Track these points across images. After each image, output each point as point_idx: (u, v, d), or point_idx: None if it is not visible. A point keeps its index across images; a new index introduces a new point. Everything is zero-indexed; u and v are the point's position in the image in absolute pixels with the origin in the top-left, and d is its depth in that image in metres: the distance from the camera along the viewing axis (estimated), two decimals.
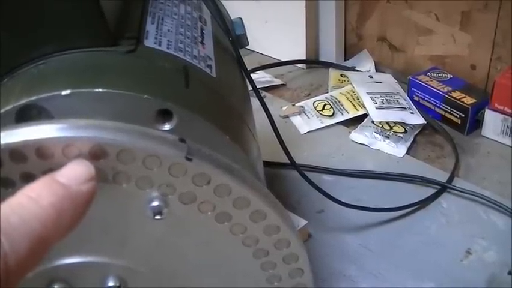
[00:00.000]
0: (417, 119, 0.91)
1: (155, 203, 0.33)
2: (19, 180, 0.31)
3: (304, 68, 1.13)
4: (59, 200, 0.25)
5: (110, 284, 0.37)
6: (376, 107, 0.92)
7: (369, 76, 1.04)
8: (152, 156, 0.31)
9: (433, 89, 0.93)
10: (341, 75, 1.08)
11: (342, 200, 0.70)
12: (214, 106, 0.45)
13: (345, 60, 1.15)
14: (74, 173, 0.27)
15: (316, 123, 0.94)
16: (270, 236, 0.37)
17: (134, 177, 0.32)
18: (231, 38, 0.57)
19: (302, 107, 0.98)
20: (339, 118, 0.94)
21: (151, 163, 0.31)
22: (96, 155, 0.30)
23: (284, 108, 0.98)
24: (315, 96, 1.01)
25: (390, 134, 0.89)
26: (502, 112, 0.86)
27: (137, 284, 0.38)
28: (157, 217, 0.34)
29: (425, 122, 0.91)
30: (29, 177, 0.31)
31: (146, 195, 0.33)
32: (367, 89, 0.97)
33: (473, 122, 0.90)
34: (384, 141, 0.88)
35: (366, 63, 1.11)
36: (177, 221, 0.35)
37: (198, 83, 0.44)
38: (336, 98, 0.98)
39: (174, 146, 0.32)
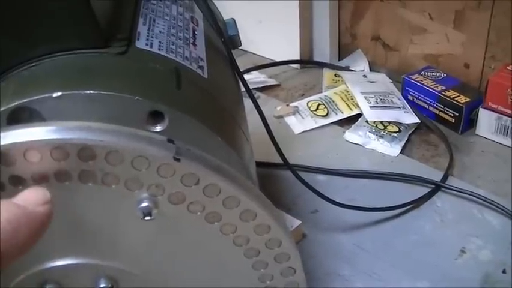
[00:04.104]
0: (411, 118, 0.91)
1: (145, 204, 0.33)
2: (8, 183, 0.31)
3: (299, 68, 1.13)
4: (15, 218, 0.26)
5: (102, 285, 0.37)
6: (370, 107, 0.92)
7: (363, 76, 1.04)
8: (141, 157, 0.31)
9: (427, 88, 0.93)
10: (335, 75, 1.08)
11: (337, 200, 0.70)
12: (206, 107, 0.45)
13: (339, 60, 1.15)
14: (30, 196, 0.27)
15: (311, 123, 0.94)
16: (261, 236, 0.37)
17: (123, 179, 0.32)
18: (223, 39, 0.57)
19: (296, 107, 0.98)
20: (333, 118, 0.94)
21: (139, 164, 0.32)
22: (85, 156, 0.31)
23: (278, 108, 0.98)
24: (309, 96, 1.01)
25: (385, 133, 0.89)
26: (496, 111, 0.86)
27: (129, 285, 0.38)
28: (147, 218, 0.34)
29: (419, 121, 0.91)
30: (18, 180, 0.31)
31: (135, 196, 0.33)
32: (361, 88, 0.97)
33: (467, 121, 0.90)
34: (378, 140, 0.88)
35: (360, 63, 1.11)
36: (167, 222, 0.35)
37: (189, 84, 0.44)
38: (330, 98, 0.98)
39: (162, 147, 0.32)
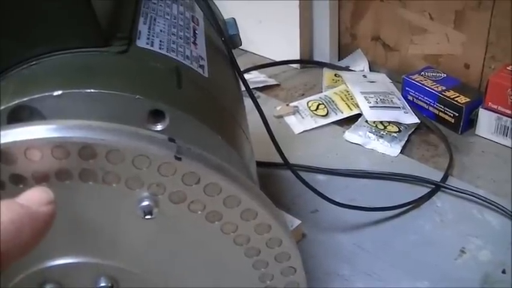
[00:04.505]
0: (411, 119, 0.91)
1: (146, 203, 0.33)
2: (9, 182, 0.31)
3: (299, 67, 1.13)
4: (19, 218, 0.26)
5: (102, 284, 0.37)
6: (370, 107, 0.92)
7: (363, 76, 1.04)
8: (142, 156, 0.31)
9: (427, 88, 0.93)
10: (335, 75, 1.08)
11: (336, 200, 0.70)
12: (207, 106, 0.45)
13: (339, 60, 1.15)
14: (33, 196, 0.27)
15: (311, 123, 0.94)
16: (261, 235, 0.37)
17: (123, 177, 0.32)
18: (223, 38, 0.57)
19: (296, 106, 0.98)
20: (333, 118, 0.94)
21: (140, 163, 0.31)
22: (85, 155, 0.31)
23: (278, 108, 0.98)
24: (309, 96, 1.01)
25: (384, 133, 0.89)
26: (496, 111, 0.86)
27: (129, 284, 0.38)
28: (148, 217, 0.34)
29: (419, 122, 0.91)
30: (18, 179, 0.31)
31: (136, 195, 0.33)
32: (361, 88, 0.97)
33: (467, 121, 0.90)
34: (378, 140, 0.88)
35: (360, 63, 1.11)
36: (168, 221, 0.35)
37: (190, 83, 0.44)
38: (330, 98, 0.98)
39: (163, 146, 0.32)
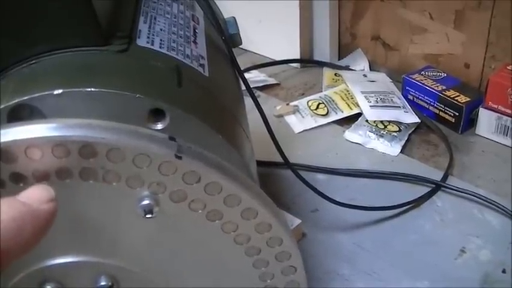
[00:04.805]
0: (411, 118, 0.91)
1: (146, 202, 0.33)
2: (9, 181, 0.31)
3: (299, 67, 1.13)
4: (20, 216, 0.26)
5: (103, 283, 0.37)
6: (370, 106, 0.92)
7: (363, 75, 1.04)
8: (142, 155, 0.31)
9: (427, 87, 0.93)
10: (335, 74, 1.08)
11: (337, 199, 0.70)
12: (207, 105, 0.45)
13: (339, 60, 1.15)
14: (34, 194, 0.27)
15: (311, 122, 0.94)
16: (262, 234, 0.37)
17: (124, 176, 0.32)
18: (224, 37, 0.57)
19: (296, 106, 0.98)
20: (333, 117, 0.94)
21: (140, 161, 0.31)
22: (86, 154, 0.31)
23: (278, 107, 0.98)
24: (309, 95, 1.01)
25: (385, 132, 0.89)
26: (496, 111, 0.86)
27: (129, 283, 0.38)
28: (148, 216, 0.34)
29: (420, 121, 0.91)
30: (19, 178, 0.31)
31: (136, 194, 0.33)
32: (361, 88, 0.97)
33: (467, 121, 0.90)
34: (378, 140, 0.88)
35: (360, 62, 1.11)
36: (168, 220, 0.35)
37: (190, 82, 0.44)
38: (330, 97, 0.98)
39: (164, 144, 0.32)
